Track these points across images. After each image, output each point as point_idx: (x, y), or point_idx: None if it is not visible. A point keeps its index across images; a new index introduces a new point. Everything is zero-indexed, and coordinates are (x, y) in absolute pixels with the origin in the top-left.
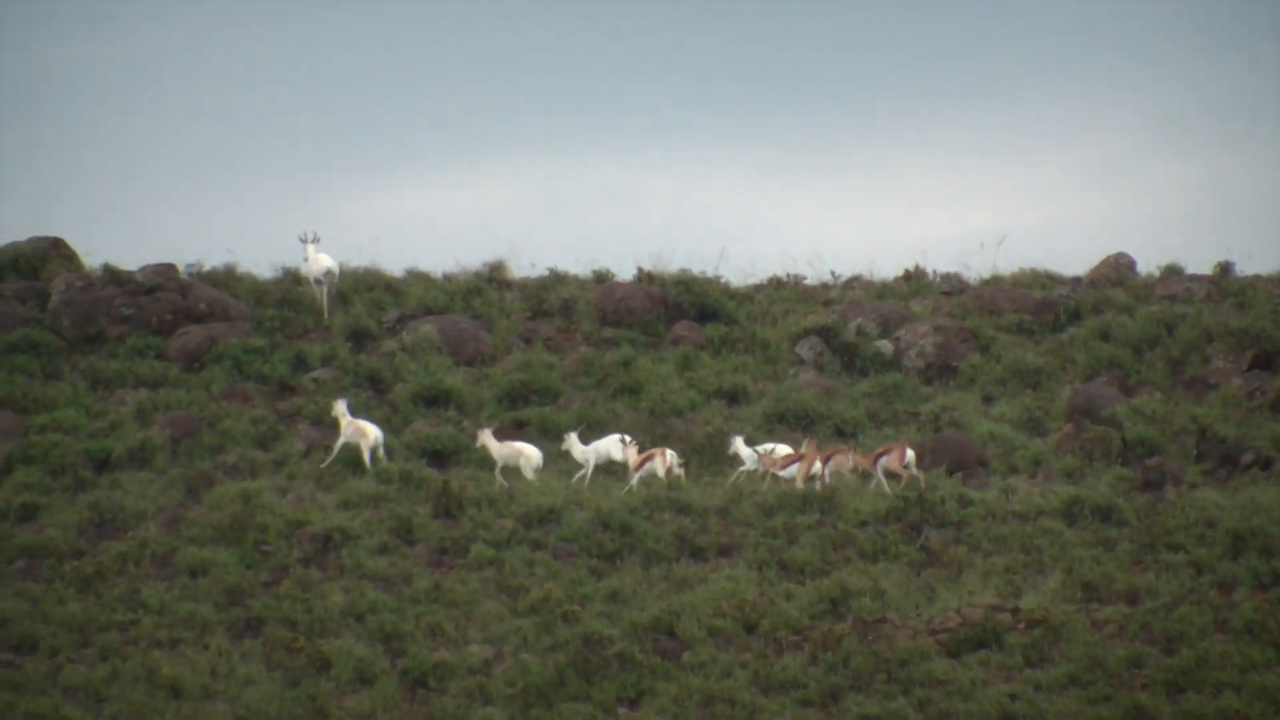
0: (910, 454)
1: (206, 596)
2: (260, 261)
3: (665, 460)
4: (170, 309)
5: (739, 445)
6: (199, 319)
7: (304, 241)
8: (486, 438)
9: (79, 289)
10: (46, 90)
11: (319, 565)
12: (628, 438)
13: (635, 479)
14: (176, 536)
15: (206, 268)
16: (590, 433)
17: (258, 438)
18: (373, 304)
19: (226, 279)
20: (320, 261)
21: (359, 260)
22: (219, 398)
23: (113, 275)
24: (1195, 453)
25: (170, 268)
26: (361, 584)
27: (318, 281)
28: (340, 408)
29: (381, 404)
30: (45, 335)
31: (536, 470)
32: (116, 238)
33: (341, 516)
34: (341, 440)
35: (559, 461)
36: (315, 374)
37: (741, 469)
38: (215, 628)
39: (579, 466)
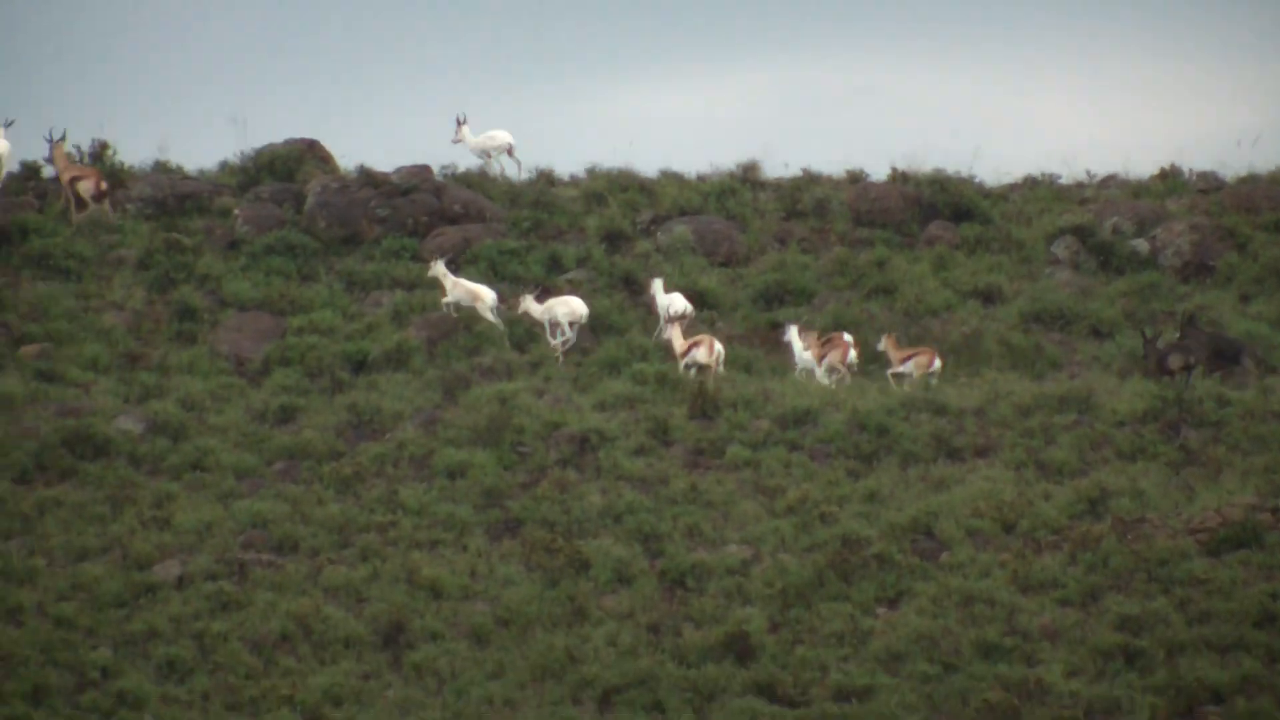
0: (937, 363)
1: (465, 498)
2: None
3: (711, 350)
4: (426, 210)
5: (793, 335)
6: (454, 220)
7: (459, 123)
8: (528, 303)
9: (335, 191)
10: None
11: (576, 466)
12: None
13: (682, 365)
14: (434, 438)
15: (461, 169)
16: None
17: (513, 339)
18: (627, 205)
19: (481, 181)
20: (496, 138)
21: (613, 161)
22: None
23: (368, 177)
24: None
25: (425, 169)
26: (619, 485)
27: (485, 154)
28: (439, 268)
29: (636, 305)
30: (301, 237)
31: (576, 323)
32: (371, 139)
33: (598, 418)
34: (448, 300)
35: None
36: (570, 275)
37: (800, 366)
38: (474, 529)
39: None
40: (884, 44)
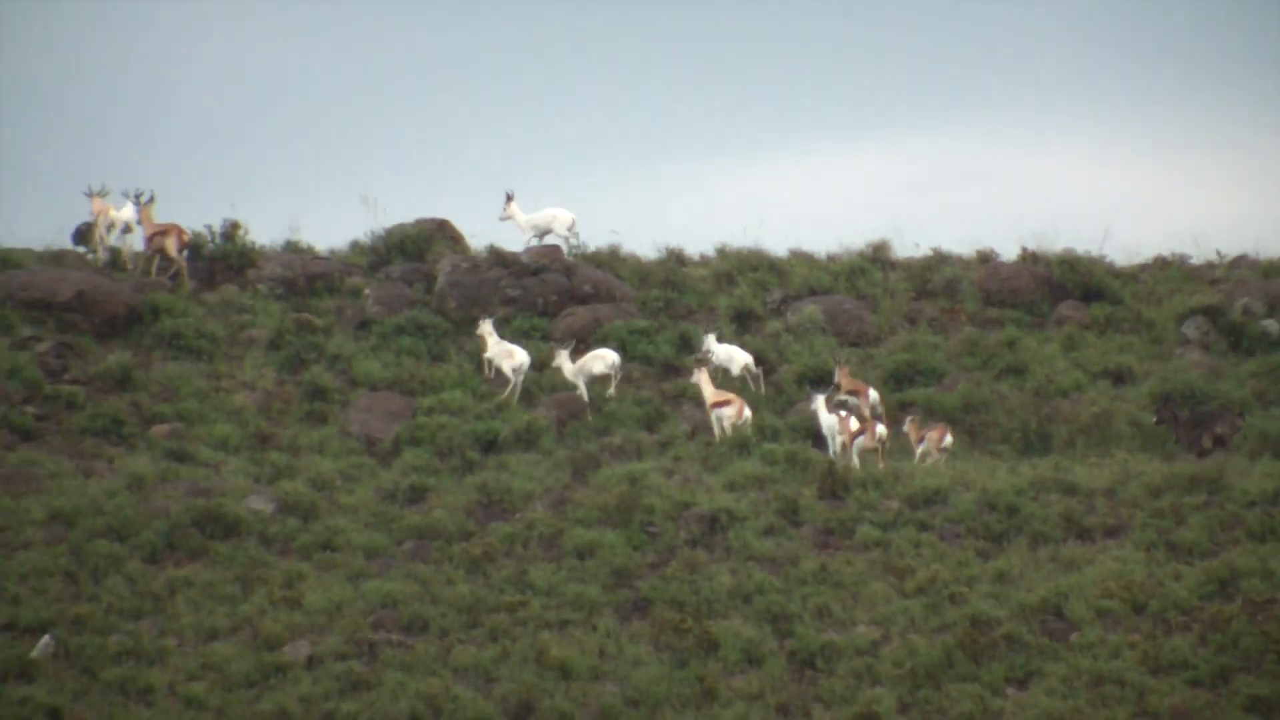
0: (949, 438)
1: (594, 578)
2: (644, 242)
3: (740, 412)
4: (555, 290)
5: (819, 405)
6: (584, 300)
7: (508, 198)
8: (562, 360)
9: (465, 270)
10: (427, 74)
11: (706, 546)
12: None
13: (712, 416)
14: (563, 518)
15: (591, 249)
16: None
17: (643, 419)
18: (757, 285)
19: (611, 260)
20: (559, 217)
21: (743, 241)
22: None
23: (498, 257)
24: (1155, 419)
25: (555, 249)
26: (748, 565)
27: (540, 234)
28: (486, 326)
29: (766, 384)
30: (432, 317)
31: (612, 367)
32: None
33: (727, 497)
34: (487, 357)
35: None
36: (699, 355)
37: (836, 439)
38: (603, 609)
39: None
40: (1013, 124)
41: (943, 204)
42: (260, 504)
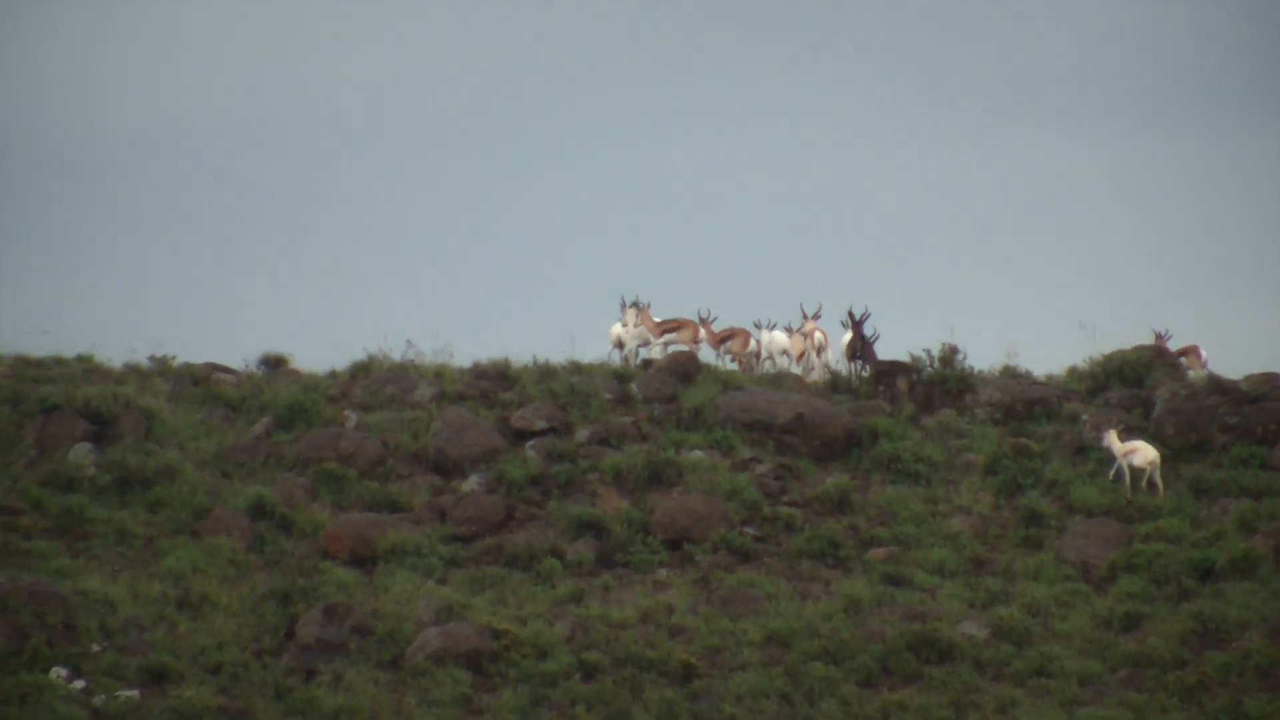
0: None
1: None
2: None
3: (1145, 455)
4: (1275, 418)
5: (1111, 439)
6: None
7: (624, 307)
8: (1111, 439)
9: (1183, 398)
10: (1136, 192)
11: None
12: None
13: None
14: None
15: None
16: None
17: None
18: None
19: None
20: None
21: None
22: None
23: (1217, 384)
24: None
25: (1274, 377)
26: None
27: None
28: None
29: None
30: (1151, 443)
31: (1150, 464)
32: (1217, 346)
33: None
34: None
35: None
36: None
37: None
38: None
39: None
40: None
41: None
42: (974, 629)
